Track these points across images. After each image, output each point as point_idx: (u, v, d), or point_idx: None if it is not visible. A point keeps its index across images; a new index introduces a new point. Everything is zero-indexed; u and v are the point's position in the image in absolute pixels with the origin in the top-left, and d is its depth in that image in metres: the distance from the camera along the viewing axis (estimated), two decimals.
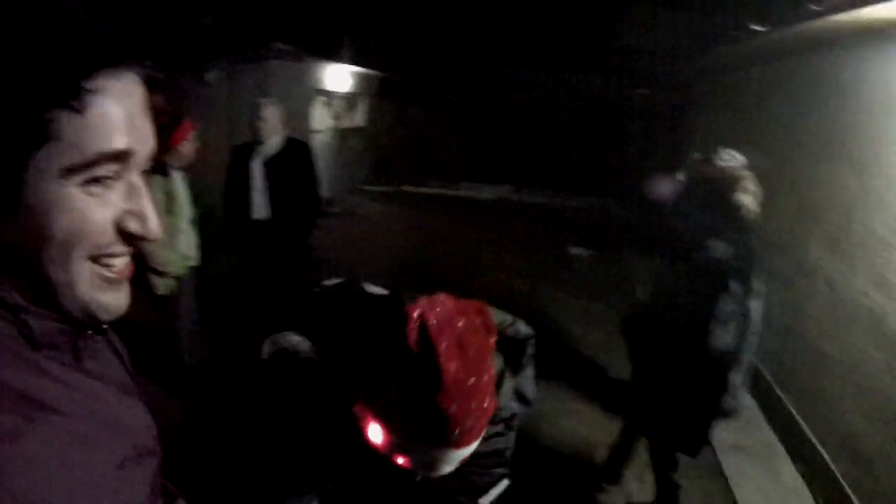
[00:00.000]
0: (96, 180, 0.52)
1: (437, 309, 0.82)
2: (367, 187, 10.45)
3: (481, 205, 10.47)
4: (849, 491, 2.80)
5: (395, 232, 7.95)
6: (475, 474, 1.01)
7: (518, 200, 11.01)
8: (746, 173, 2.31)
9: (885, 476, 2.60)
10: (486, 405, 0.84)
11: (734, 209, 2.23)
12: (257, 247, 3.59)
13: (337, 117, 9.03)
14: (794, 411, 3.44)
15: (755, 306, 2.23)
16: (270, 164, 3.47)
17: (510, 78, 8.76)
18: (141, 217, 0.56)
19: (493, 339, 0.87)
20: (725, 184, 2.25)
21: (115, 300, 0.58)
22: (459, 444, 0.83)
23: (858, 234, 3.08)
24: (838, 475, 2.90)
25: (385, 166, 11.14)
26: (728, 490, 3.07)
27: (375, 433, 0.85)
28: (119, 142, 0.52)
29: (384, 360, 0.83)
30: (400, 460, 0.86)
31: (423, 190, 11.24)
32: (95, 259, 0.55)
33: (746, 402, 3.51)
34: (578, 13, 4.62)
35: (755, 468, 3.25)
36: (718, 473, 3.17)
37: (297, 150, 3.58)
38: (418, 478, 0.92)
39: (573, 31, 5.18)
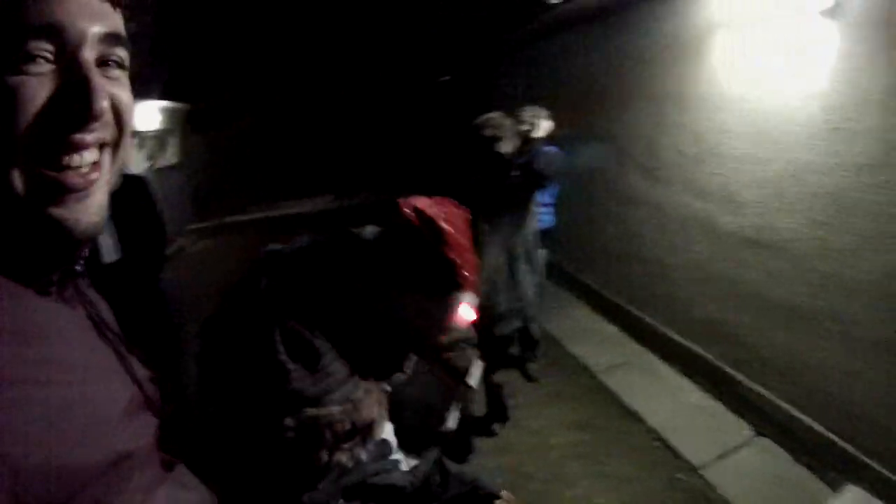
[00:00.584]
0: (28, 58, 0.45)
1: (422, 201, 1.02)
2: (191, 226, 9.63)
3: (303, 219, 10.33)
4: (726, 368, 3.36)
5: (220, 266, 7.54)
6: (457, 358, 1.30)
7: (339, 208, 11.03)
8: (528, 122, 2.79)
9: (745, 346, 3.20)
10: (475, 261, 1.04)
11: (495, 157, 2.50)
12: (112, 292, 3.06)
13: (151, 157, 8.41)
14: (656, 324, 3.95)
15: (522, 267, 2.60)
16: (112, 205, 2.98)
17: (319, 84, 8.72)
18: (82, 94, 0.47)
19: (467, 215, 1.07)
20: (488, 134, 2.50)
21: (80, 214, 0.49)
22: (469, 286, 1.02)
23: (672, 157, 3.69)
24: (712, 358, 3.45)
25: (205, 201, 10.36)
26: (620, 403, 3.40)
27: (407, 307, 1.01)
28: (47, 15, 0.45)
29: (399, 248, 1.00)
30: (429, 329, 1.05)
31: (245, 217, 10.78)
32: (47, 161, 0.47)
33: (608, 329, 4.05)
34: (379, 12, 4.74)
35: (635, 377, 3.65)
36: (605, 390, 3.52)
37: (135, 185, 3.13)
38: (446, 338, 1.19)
39: (377, 29, 5.30)
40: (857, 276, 2.66)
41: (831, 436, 2.74)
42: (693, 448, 2.94)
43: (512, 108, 2.95)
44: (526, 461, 2.89)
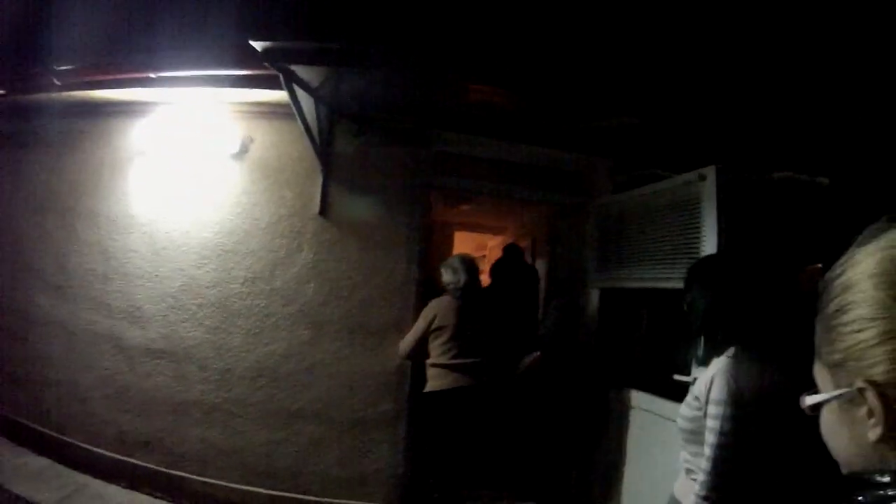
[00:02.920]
0: None
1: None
2: None
3: None
4: (167, 470, 3.31)
5: None
6: None
7: None
8: None
9: (170, 446, 3.31)
10: None
11: None
12: None
13: None
14: (85, 445, 3.46)
15: None
16: None
17: None
18: None
19: None
20: None
21: None
22: None
23: (81, 275, 3.53)
24: (151, 465, 3.35)
25: None
26: None
27: None
28: None
29: None
30: None
31: None
32: None
33: (40, 461, 3.43)
34: None
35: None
36: None
37: None
38: None
39: None
40: (245, 366, 3.33)
41: (282, 494, 3.25)
42: None
43: None
44: None
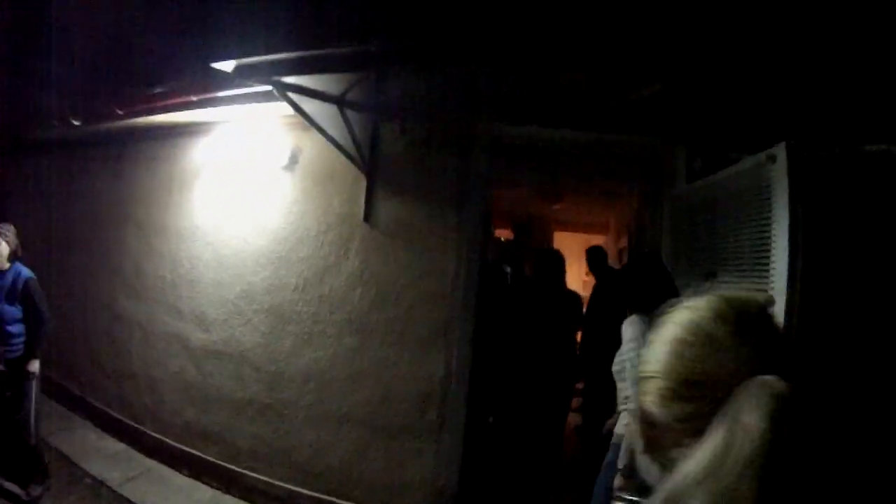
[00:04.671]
0: None
1: None
2: None
3: None
4: (224, 463, 3.48)
5: None
6: None
7: None
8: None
9: (229, 442, 3.46)
10: None
11: None
12: None
13: None
14: (156, 434, 3.76)
15: None
16: None
17: None
18: None
19: None
20: None
21: None
22: None
23: (154, 281, 3.78)
24: (210, 458, 3.54)
25: None
26: None
27: None
28: None
29: None
30: None
31: None
32: None
33: (117, 446, 3.74)
34: None
35: (150, 486, 3.48)
36: (126, 500, 3.28)
37: None
38: None
39: None
40: (294, 370, 3.39)
41: (327, 497, 3.26)
42: None
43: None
44: None
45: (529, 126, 3.29)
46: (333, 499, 3.29)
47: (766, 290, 2.02)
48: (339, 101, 3.07)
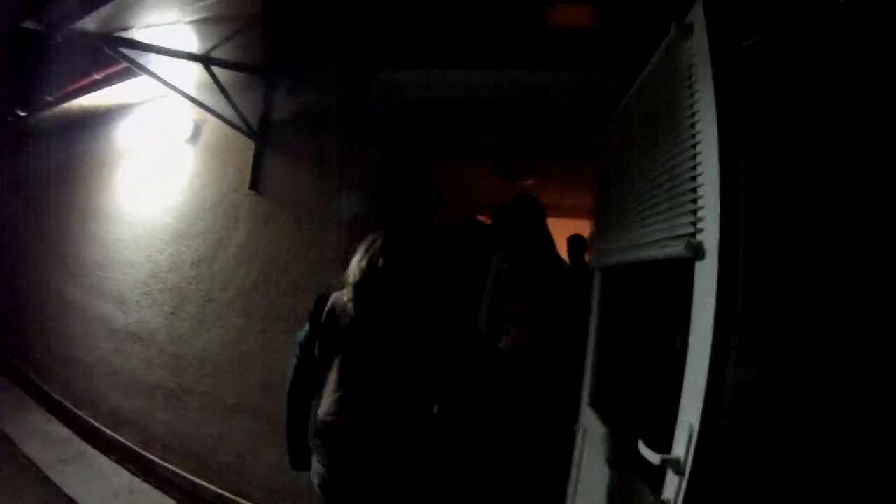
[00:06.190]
0: None
1: None
2: None
3: None
4: (141, 450, 3.34)
5: None
6: None
7: None
8: None
9: (144, 427, 3.32)
10: None
11: None
12: None
13: None
14: (90, 419, 3.72)
15: None
16: None
17: None
18: None
19: None
20: None
21: None
22: None
23: (89, 265, 3.80)
24: (131, 444, 3.41)
25: None
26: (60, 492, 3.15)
27: None
28: None
29: None
30: None
31: None
32: None
33: (61, 430, 3.79)
34: None
35: (78, 470, 3.42)
36: (50, 482, 3.23)
37: None
38: None
39: None
40: (192, 352, 3.14)
41: (227, 494, 2.97)
42: None
43: None
44: None
45: (428, 69, 2.74)
46: (232, 497, 2.98)
47: (693, 237, 1.22)
48: (204, 60, 2.78)
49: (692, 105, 1.27)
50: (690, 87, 1.28)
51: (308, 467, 1.78)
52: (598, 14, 2.49)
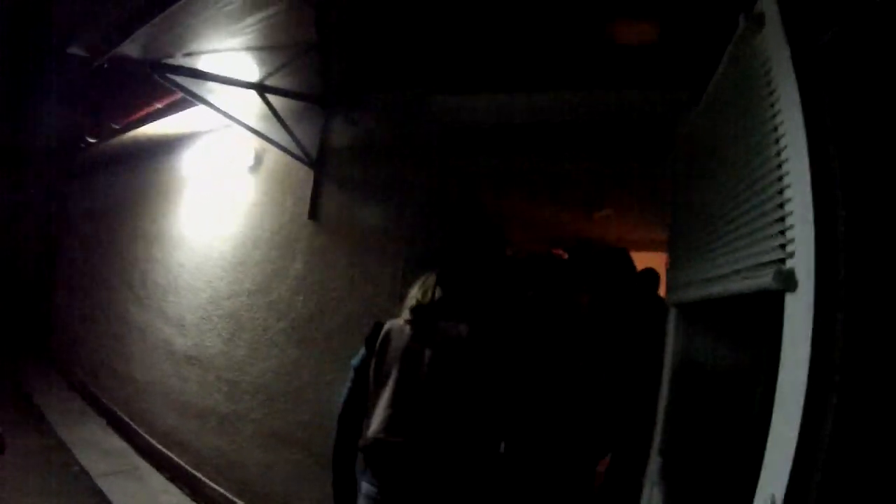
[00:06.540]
0: None
1: None
2: None
3: None
4: (191, 470, 3.39)
5: None
6: None
7: None
8: None
9: (195, 449, 3.36)
10: None
11: None
12: None
13: None
14: (147, 436, 3.83)
15: None
16: None
17: None
18: None
19: None
20: None
21: None
22: None
23: (152, 288, 3.92)
24: (182, 463, 3.47)
25: None
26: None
27: None
28: None
29: None
30: None
31: None
32: None
33: (117, 443, 3.89)
34: None
35: (128, 483, 3.50)
36: (99, 493, 3.31)
37: None
38: None
39: None
40: (248, 380, 3.15)
41: None
42: None
43: None
44: None
45: (489, 94, 2.64)
46: None
47: (782, 263, 0.97)
48: (258, 88, 2.81)
49: (773, 105, 1.06)
50: (769, 84, 1.08)
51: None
52: (662, 26, 2.32)
